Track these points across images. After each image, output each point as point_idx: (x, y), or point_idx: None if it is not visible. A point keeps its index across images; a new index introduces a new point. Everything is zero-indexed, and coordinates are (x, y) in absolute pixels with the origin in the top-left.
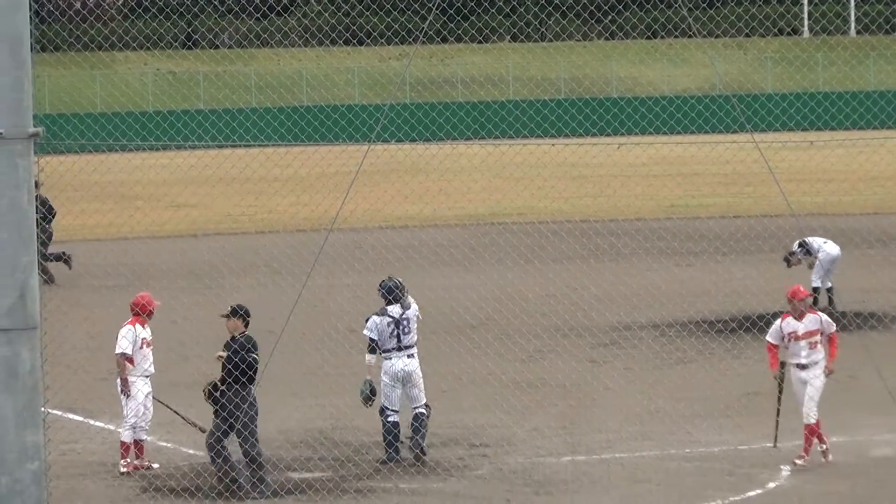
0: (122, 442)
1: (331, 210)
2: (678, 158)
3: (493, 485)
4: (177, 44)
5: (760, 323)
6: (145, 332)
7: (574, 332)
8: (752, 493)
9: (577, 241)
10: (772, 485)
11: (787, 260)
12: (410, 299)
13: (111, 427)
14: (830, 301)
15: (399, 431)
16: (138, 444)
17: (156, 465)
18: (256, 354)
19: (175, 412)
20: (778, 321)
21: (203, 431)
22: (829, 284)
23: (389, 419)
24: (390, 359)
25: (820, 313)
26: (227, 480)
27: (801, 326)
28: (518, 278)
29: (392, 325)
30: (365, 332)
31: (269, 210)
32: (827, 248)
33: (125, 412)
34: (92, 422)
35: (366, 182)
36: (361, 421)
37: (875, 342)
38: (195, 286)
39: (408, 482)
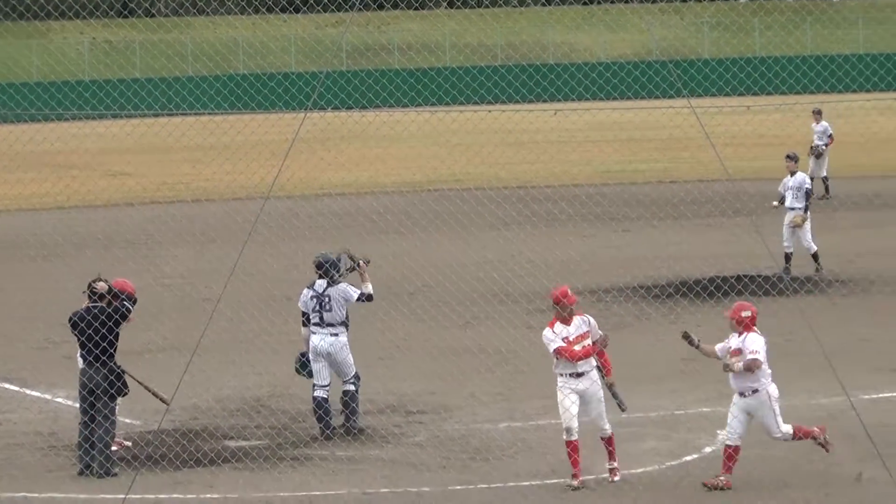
0: None
1: (267, 178)
2: (615, 124)
3: (430, 451)
4: (113, 12)
5: (697, 288)
6: None
7: (511, 299)
8: (688, 458)
9: (514, 207)
10: (708, 449)
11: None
12: (346, 286)
13: (47, 396)
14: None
15: (324, 406)
16: None
17: (128, 443)
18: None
19: (139, 382)
20: (547, 329)
21: (166, 403)
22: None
23: (314, 394)
24: (314, 333)
25: (587, 315)
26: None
27: (571, 331)
28: (455, 245)
29: (315, 301)
30: (299, 304)
31: (206, 178)
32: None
33: None
34: (28, 391)
35: (302, 150)
36: (298, 389)
37: (811, 306)
38: (132, 255)
39: (344, 450)
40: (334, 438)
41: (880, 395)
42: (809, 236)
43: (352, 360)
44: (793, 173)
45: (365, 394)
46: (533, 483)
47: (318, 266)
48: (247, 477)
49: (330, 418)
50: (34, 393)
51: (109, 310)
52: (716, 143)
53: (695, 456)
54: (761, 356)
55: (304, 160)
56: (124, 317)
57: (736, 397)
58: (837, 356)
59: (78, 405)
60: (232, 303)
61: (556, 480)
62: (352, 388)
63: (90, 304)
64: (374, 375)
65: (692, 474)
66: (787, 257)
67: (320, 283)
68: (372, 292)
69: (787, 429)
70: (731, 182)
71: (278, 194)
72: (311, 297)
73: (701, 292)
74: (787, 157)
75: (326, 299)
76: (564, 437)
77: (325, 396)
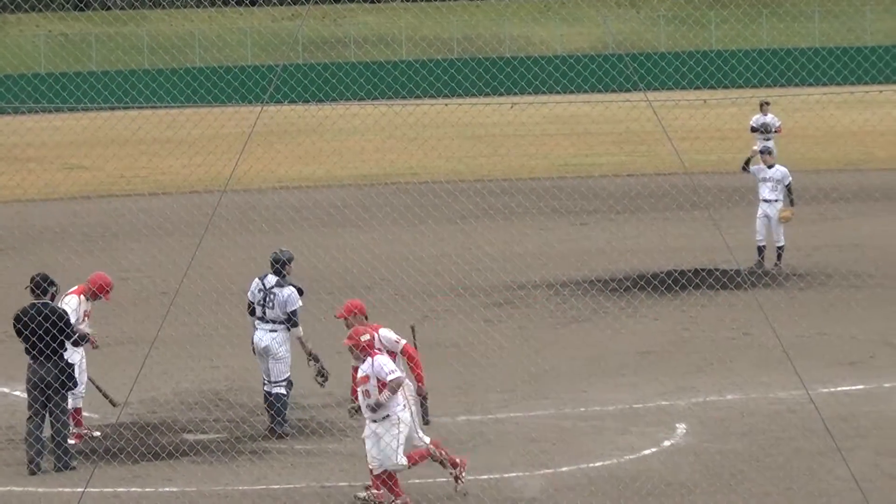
0: (75, 409)
1: (224, 171)
2: (571, 117)
3: None
4: (68, 5)
5: (654, 281)
6: (87, 305)
7: (468, 292)
8: (647, 452)
9: (471, 200)
10: (667, 443)
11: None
12: (293, 294)
13: (5, 390)
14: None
15: (283, 403)
16: (77, 410)
17: (97, 434)
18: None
19: (91, 382)
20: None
21: (115, 405)
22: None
23: (264, 389)
24: (256, 328)
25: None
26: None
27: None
28: (412, 238)
29: (261, 294)
30: (248, 293)
31: (162, 172)
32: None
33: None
34: None
35: (259, 143)
36: (255, 382)
37: (768, 300)
38: (89, 248)
39: (303, 443)
40: (292, 432)
41: (838, 389)
42: (783, 230)
43: (289, 361)
44: (770, 166)
45: (324, 387)
46: (492, 476)
47: (275, 261)
48: (205, 470)
49: (275, 424)
50: None
51: (53, 309)
52: (673, 136)
53: (654, 450)
54: (397, 373)
55: (260, 153)
56: (68, 324)
57: (368, 422)
58: (795, 350)
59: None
60: (189, 296)
61: (515, 474)
62: (282, 391)
63: (34, 301)
64: (332, 369)
65: (651, 468)
66: (760, 250)
67: (271, 279)
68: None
69: (403, 461)
70: (688, 175)
71: (235, 188)
72: (259, 290)
73: (658, 286)
74: (762, 152)
75: (272, 296)
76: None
77: (284, 392)
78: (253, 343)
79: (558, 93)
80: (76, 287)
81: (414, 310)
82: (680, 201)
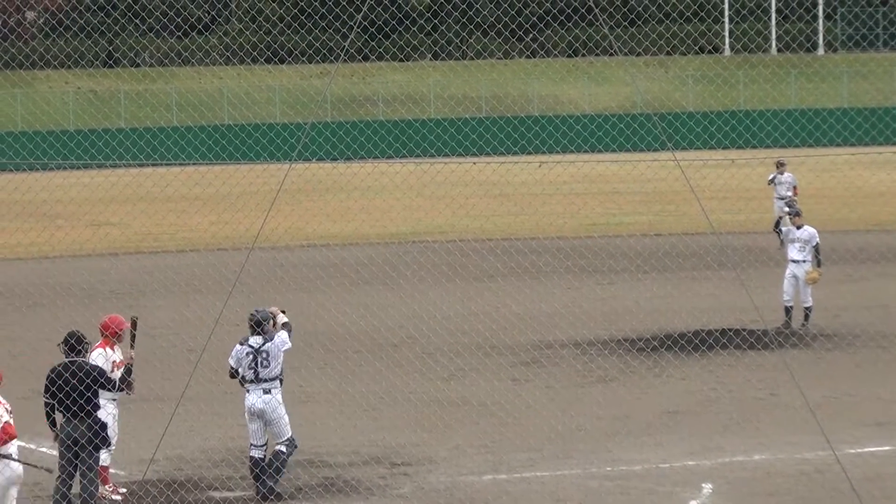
0: (103, 467)
1: (252, 229)
2: (600, 177)
3: None
4: (98, 62)
5: (682, 341)
6: (115, 355)
7: (495, 351)
8: None
9: (499, 259)
10: (693, 503)
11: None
12: (282, 334)
13: (31, 447)
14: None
15: (262, 465)
16: (104, 468)
17: (119, 496)
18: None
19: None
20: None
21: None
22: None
23: (251, 454)
24: (248, 391)
25: None
26: None
27: None
28: (439, 297)
29: (251, 356)
30: (229, 359)
31: (190, 229)
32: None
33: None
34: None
35: (287, 201)
36: None
37: (796, 360)
38: (116, 305)
39: (329, 501)
40: (318, 489)
41: (865, 450)
42: (810, 290)
43: (287, 420)
44: (799, 227)
45: (350, 445)
46: None
47: (257, 323)
48: None
49: (267, 478)
50: (18, 443)
51: (87, 367)
52: (701, 196)
53: None
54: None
55: (288, 211)
56: (107, 380)
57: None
58: (822, 410)
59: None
60: (217, 353)
61: None
62: (283, 449)
63: (67, 360)
64: (359, 427)
65: None
66: (787, 310)
67: (256, 339)
68: (287, 320)
69: None
70: (716, 235)
71: (263, 245)
72: (247, 353)
73: (686, 346)
74: (789, 214)
75: (264, 355)
76: None
77: (262, 456)
78: (247, 407)
79: (586, 152)
80: (98, 343)
81: (441, 368)
82: (707, 261)
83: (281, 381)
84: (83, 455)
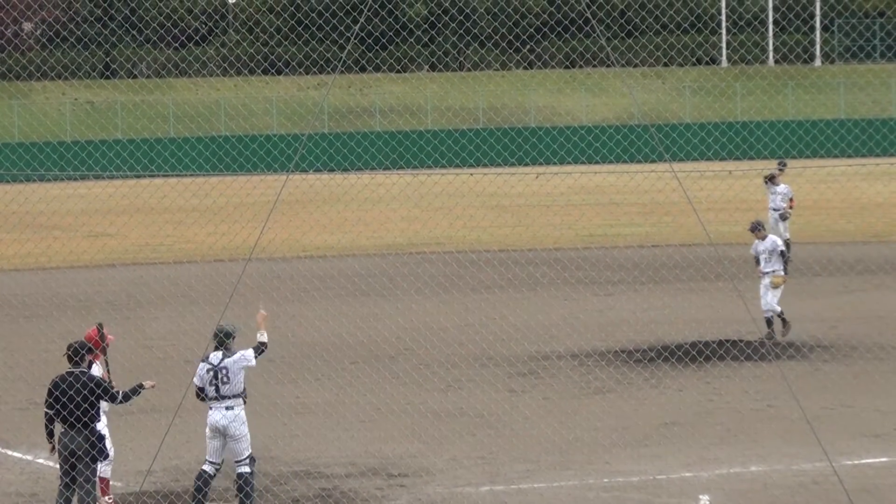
0: (103, 479)
1: (249, 240)
2: (597, 188)
3: None
4: (95, 73)
5: (679, 352)
6: (103, 368)
7: (493, 362)
8: None
9: (496, 270)
10: None
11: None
12: (247, 351)
13: (29, 458)
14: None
15: (205, 482)
16: (104, 480)
17: None
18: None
19: None
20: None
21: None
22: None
23: (202, 468)
24: (211, 408)
25: None
26: None
27: None
28: (436, 308)
29: (211, 373)
30: (194, 379)
31: (187, 240)
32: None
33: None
34: (10, 452)
35: (284, 212)
36: (279, 451)
37: (793, 371)
38: (113, 316)
39: None
40: (316, 501)
41: (862, 461)
42: (777, 299)
43: (249, 438)
44: (762, 238)
45: (346, 456)
46: None
47: (225, 336)
48: None
49: (205, 499)
50: (15, 454)
51: (86, 378)
52: (698, 207)
53: None
54: None
55: (285, 222)
56: (106, 391)
57: None
58: (819, 421)
59: (59, 468)
60: None
61: None
62: (247, 470)
63: (71, 369)
64: (356, 438)
65: None
66: (768, 322)
67: (216, 355)
68: (266, 340)
69: None
70: (713, 247)
71: (260, 256)
72: (207, 371)
73: (683, 357)
74: (752, 230)
75: (224, 371)
76: None
77: (213, 473)
78: (210, 424)
79: (583, 163)
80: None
81: (438, 379)
82: (704, 272)
83: (244, 397)
84: (80, 466)
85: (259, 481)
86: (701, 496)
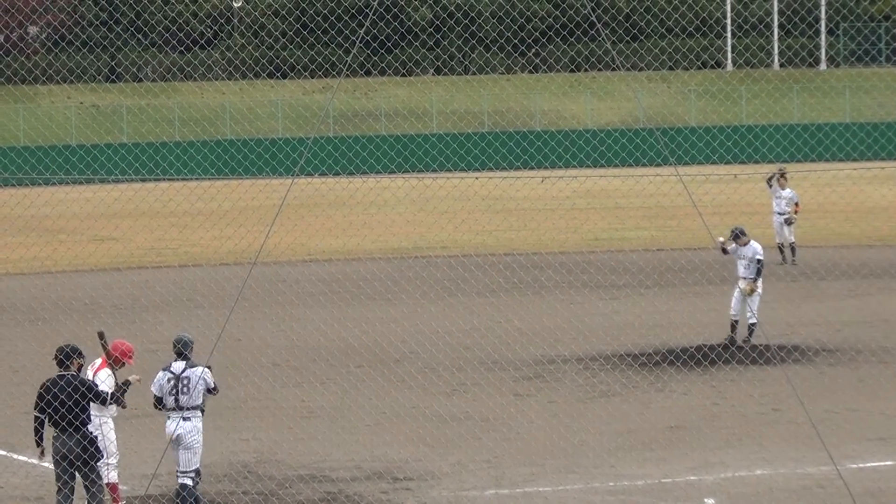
0: (111, 484)
1: (254, 244)
2: (602, 191)
3: None
4: (100, 77)
5: (684, 356)
6: (114, 376)
7: (498, 366)
8: None
9: (501, 274)
10: None
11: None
12: (206, 371)
13: (34, 461)
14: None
15: (195, 495)
16: (113, 486)
17: None
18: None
19: None
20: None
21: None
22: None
23: (178, 480)
24: (168, 418)
25: None
26: None
27: None
28: (442, 312)
29: (172, 382)
30: (151, 387)
31: (193, 244)
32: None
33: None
34: (15, 456)
35: (289, 216)
36: (285, 455)
37: (798, 375)
38: (119, 320)
39: None
40: None
41: (868, 465)
42: (756, 307)
43: (200, 451)
44: (745, 244)
45: (352, 460)
46: None
47: (184, 346)
48: None
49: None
50: (21, 458)
51: (76, 381)
52: (703, 211)
53: None
54: None
55: (291, 226)
56: (97, 395)
57: None
58: (825, 425)
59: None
60: (219, 368)
61: None
62: (189, 482)
63: (62, 372)
64: (361, 442)
65: None
66: (733, 325)
67: (178, 365)
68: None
69: None
70: (718, 250)
71: (265, 260)
72: (168, 380)
73: (688, 360)
74: (734, 238)
75: (185, 381)
76: None
77: (185, 483)
78: (166, 434)
79: (589, 167)
80: (100, 361)
81: (443, 383)
82: (710, 276)
83: (202, 410)
84: (85, 470)
85: (264, 485)
86: (706, 500)
